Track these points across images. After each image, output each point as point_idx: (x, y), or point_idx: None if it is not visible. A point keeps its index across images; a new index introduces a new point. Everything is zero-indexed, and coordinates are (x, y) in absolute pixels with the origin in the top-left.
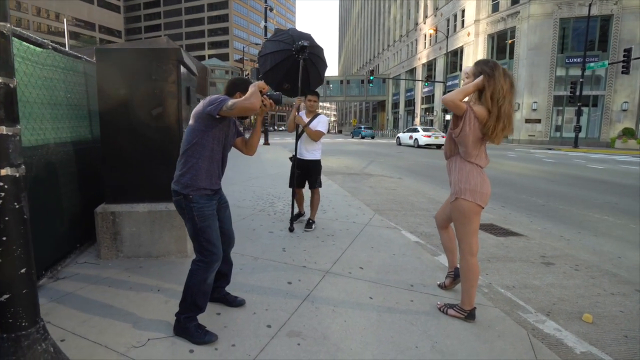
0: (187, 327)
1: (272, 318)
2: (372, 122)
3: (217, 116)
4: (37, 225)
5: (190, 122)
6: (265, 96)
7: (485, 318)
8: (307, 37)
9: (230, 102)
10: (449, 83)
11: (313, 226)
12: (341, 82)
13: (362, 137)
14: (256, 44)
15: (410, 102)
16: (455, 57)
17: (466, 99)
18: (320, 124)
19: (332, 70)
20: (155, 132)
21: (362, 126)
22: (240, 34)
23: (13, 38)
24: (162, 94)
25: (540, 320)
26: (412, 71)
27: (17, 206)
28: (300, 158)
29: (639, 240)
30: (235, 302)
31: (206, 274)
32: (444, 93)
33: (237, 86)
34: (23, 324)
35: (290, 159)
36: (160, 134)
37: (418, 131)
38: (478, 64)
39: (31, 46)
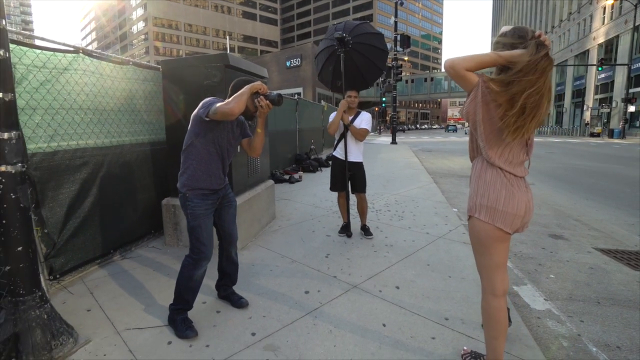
0: (175, 318)
1: (262, 326)
2: None
3: (207, 119)
4: (109, 213)
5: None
6: (261, 97)
7: None
8: (352, 27)
9: (215, 105)
10: (636, 65)
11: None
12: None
13: (451, 131)
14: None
15: (578, 93)
16: None
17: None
18: (364, 121)
19: None
20: None
21: (450, 123)
22: (385, 33)
23: (85, 57)
24: (212, 96)
25: None
26: (583, 55)
27: (13, 196)
28: (343, 159)
29: None
30: (237, 303)
31: (193, 271)
32: (629, 78)
33: (237, 88)
34: (21, 291)
35: (327, 161)
36: None
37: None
38: (515, 30)
39: (110, 64)
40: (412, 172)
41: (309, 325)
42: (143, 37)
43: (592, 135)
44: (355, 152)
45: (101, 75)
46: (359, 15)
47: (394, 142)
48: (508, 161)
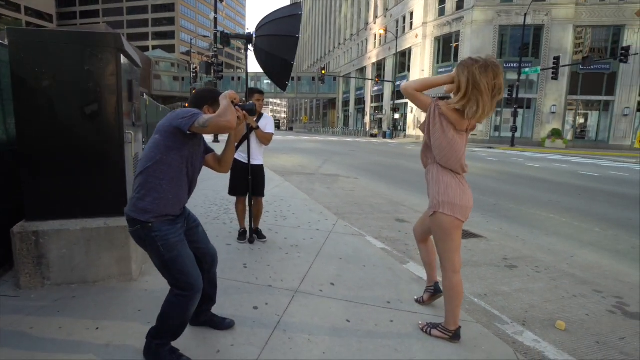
0: (159, 352)
1: (240, 355)
2: (323, 119)
3: (188, 132)
4: None
5: (153, 137)
6: (237, 107)
7: (469, 337)
8: (266, 19)
9: (204, 118)
10: (398, 83)
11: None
12: (292, 78)
13: None
14: (204, 37)
15: (360, 101)
16: (404, 58)
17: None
18: (269, 125)
19: None
20: (89, 134)
21: None
22: (188, 26)
23: None
24: (98, 88)
25: (518, 332)
26: (362, 70)
27: None
28: (245, 162)
29: (586, 239)
30: (223, 325)
31: (187, 307)
32: (393, 92)
33: (204, 99)
34: None
35: None
36: (95, 136)
37: None
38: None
39: None
40: None
41: (285, 340)
42: None
43: (372, 135)
44: (257, 155)
45: None
46: (159, 1)
47: (216, 140)
48: (456, 159)
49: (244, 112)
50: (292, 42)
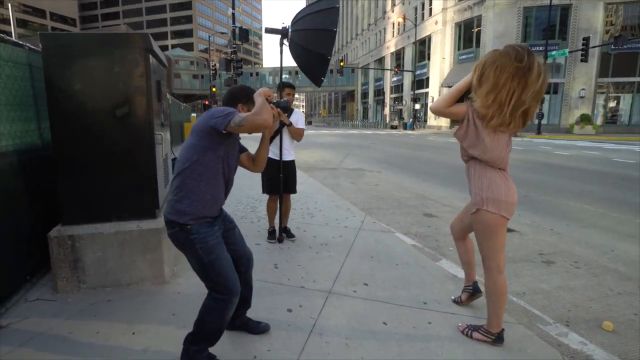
0: (197, 359)
1: None
2: (342, 112)
3: (224, 131)
4: None
5: (189, 138)
6: (271, 105)
7: (513, 339)
8: (301, 14)
9: (240, 117)
10: (418, 72)
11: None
12: None
13: None
14: (222, 33)
15: (379, 92)
16: (423, 46)
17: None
18: (300, 120)
19: None
20: (121, 136)
21: None
22: (205, 23)
23: None
24: (127, 89)
25: (563, 333)
26: (380, 60)
27: None
28: (277, 159)
29: (625, 231)
30: (258, 329)
31: (226, 311)
32: (413, 82)
33: (238, 97)
34: None
35: None
36: (127, 138)
37: None
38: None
39: None
40: None
41: (322, 344)
42: None
43: (392, 127)
44: (289, 151)
45: None
46: (177, 0)
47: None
48: (501, 159)
49: (279, 109)
50: (329, 36)
